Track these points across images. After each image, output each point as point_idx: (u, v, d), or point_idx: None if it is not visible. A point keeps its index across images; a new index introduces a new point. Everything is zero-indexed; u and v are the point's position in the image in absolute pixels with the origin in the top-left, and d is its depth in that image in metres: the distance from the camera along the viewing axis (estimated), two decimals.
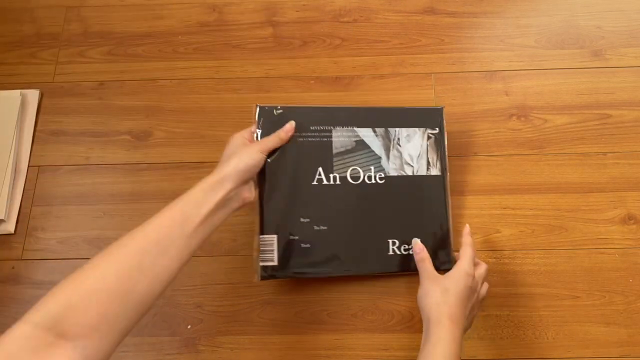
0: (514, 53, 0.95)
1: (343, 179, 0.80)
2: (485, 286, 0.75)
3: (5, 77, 0.97)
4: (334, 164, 0.80)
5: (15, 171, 0.89)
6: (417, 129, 0.83)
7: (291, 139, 0.78)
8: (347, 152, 0.81)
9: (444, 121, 0.84)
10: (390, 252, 0.79)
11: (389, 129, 0.82)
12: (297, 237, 0.77)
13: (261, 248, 0.77)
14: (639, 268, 0.80)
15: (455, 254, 0.77)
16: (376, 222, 0.79)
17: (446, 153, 0.83)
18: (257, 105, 0.80)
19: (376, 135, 0.82)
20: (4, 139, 0.90)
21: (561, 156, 0.87)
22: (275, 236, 0.77)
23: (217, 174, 0.69)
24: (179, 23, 1.00)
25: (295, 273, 0.77)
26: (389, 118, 0.83)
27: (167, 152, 0.90)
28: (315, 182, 0.79)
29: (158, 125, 0.92)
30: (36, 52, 0.99)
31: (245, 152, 0.72)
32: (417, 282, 0.80)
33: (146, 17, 1.01)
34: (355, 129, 0.82)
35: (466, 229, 0.76)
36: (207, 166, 0.89)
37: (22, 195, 0.88)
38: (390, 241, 0.79)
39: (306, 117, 0.80)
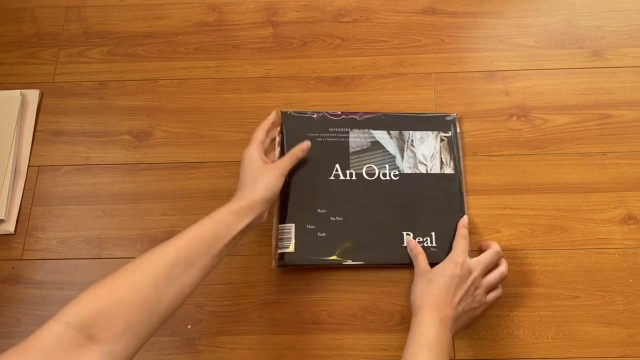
0: (514, 53, 0.95)
1: (359, 175, 0.84)
2: (491, 279, 0.76)
3: (5, 77, 0.97)
4: (351, 161, 0.85)
5: (15, 171, 0.89)
6: (430, 132, 0.87)
7: (312, 139, 0.84)
8: (362, 151, 0.86)
9: (458, 126, 0.88)
10: (404, 244, 0.81)
11: (403, 131, 0.87)
12: (313, 227, 0.81)
13: (279, 236, 0.81)
14: (639, 268, 0.80)
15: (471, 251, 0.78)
16: (391, 215, 0.82)
17: (461, 154, 0.86)
18: (280, 111, 0.88)
19: (390, 137, 0.87)
20: (4, 139, 0.90)
21: (561, 156, 0.87)
22: (292, 225, 0.81)
23: (247, 199, 0.72)
24: (179, 23, 1.00)
25: (311, 260, 0.80)
26: (403, 122, 0.88)
27: (167, 152, 0.90)
28: (332, 177, 0.84)
29: (158, 125, 0.92)
30: (36, 52, 0.99)
31: (271, 178, 0.74)
32: (413, 283, 0.80)
33: (146, 17, 1.01)
34: (371, 131, 0.87)
35: (462, 221, 0.80)
36: (207, 166, 0.89)
37: (22, 195, 0.88)
38: (404, 233, 0.81)
39: (325, 120, 0.87)
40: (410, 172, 0.85)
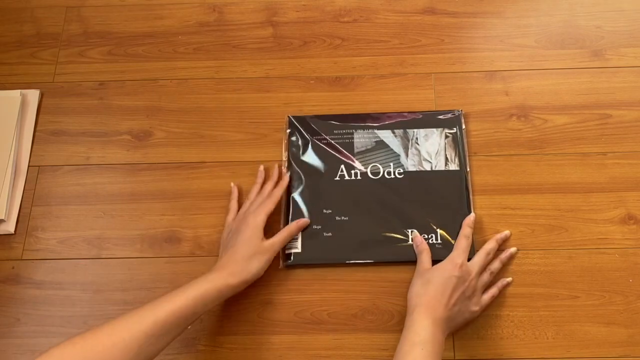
0: (514, 53, 0.95)
1: (364, 174, 0.85)
2: (484, 278, 0.77)
3: (5, 77, 0.97)
4: (355, 161, 0.86)
5: (15, 171, 0.89)
6: (434, 129, 0.87)
7: (318, 141, 0.87)
8: (367, 151, 0.87)
9: (463, 122, 0.88)
10: (410, 242, 0.81)
11: (407, 129, 0.87)
12: (319, 227, 0.82)
13: None
14: (639, 268, 0.80)
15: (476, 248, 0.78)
16: (396, 212, 0.83)
17: (466, 150, 0.86)
18: (287, 116, 0.90)
19: (395, 136, 0.88)
20: (4, 139, 0.90)
21: (561, 156, 0.87)
22: None
23: (236, 277, 0.73)
24: (179, 23, 1.00)
25: (317, 260, 0.81)
26: (407, 121, 0.89)
27: (167, 152, 0.90)
28: (337, 178, 0.85)
29: (158, 125, 0.92)
30: (36, 52, 0.99)
31: (265, 260, 0.76)
32: (412, 280, 0.80)
33: (146, 17, 1.01)
34: (376, 131, 0.88)
35: (467, 219, 0.80)
36: (207, 166, 0.89)
37: (22, 195, 0.88)
38: (409, 231, 0.81)
39: (330, 123, 0.89)
40: (414, 169, 0.85)
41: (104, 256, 0.84)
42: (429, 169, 0.85)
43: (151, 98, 0.94)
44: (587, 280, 0.80)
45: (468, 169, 0.86)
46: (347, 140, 0.88)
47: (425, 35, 0.97)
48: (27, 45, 0.99)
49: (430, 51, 0.95)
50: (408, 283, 0.80)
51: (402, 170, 0.85)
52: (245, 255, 0.74)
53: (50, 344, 0.78)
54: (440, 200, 0.83)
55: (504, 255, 0.80)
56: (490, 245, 0.79)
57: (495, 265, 0.79)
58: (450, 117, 0.88)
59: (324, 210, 0.83)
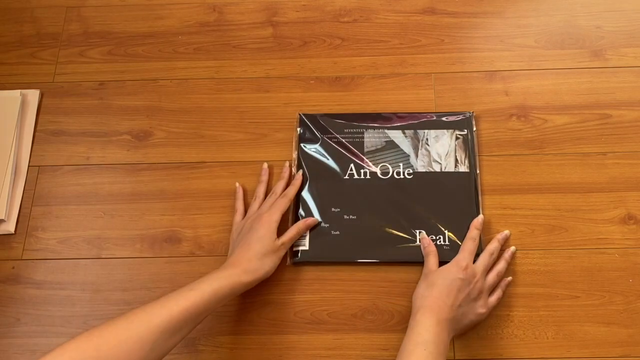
0: (514, 53, 0.95)
1: (373, 174, 0.86)
2: (490, 280, 0.76)
3: (5, 77, 0.97)
4: (365, 161, 0.86)
5: (15, 171, 0.89)
6: (445, 130, 0.88)
7: (328, 139, 0.88)
8: (377, 150, 0.87)
9: (474, 124, 0.88)
10: (418, 242, 0.81)
11: (418, 130, 0.88)
12: (327, 225, 0.83)
13: None
14: (639, 268, 0.80)
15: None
16: (404, 213, 0.83)
17: (476, 152, 0.86)
18: (298, 114, 0.90)
19: (405, 137, 0.88)
20: (4, 139, 0.90)
21: (561, 156, 0.87)
22: None
23: (250, 275, 0.73)
24: (179, 23, 1.00)
25: (325, 258, 0.82)
26: (418, 122, 0.89)
27: (167, 152, 0.90)
28: (346, 177, 0.85)
29: (158, 125, 0.92)
30: (36, 52, 0.99)
31: (277, 258, 0.77)
32: (418, 283, 0.80)
33: (146, 17, 1.01)
34: (386, 131, 0.88)
35: (475, 220, 0.80)
36: (207, 166, 0.89)
37: (22, 195, 0.88)
38: (417, 231, 0.81)
39: (341, 122, 0.89)
40: (424, 170, 0.85)
41: (104, 256, 0.84)
42: (438, 170, 0.85)
43: (151, 98, 0.94)
44: (587, 280, 0.80)
45: (478, 171, 0.86)
46: (357, 140, 0.88)
47: (425, 35, 0.97)
48: (27, 45, 0.99)
49: (430, 51, 0.96)
50: (408, 283, 0.80)
51: (411, 171, 0.86)
52: (260, 253, 0.74)
53: (50, 344, 0.79)
54: (449, 202, 0.83)
55: (507, 254, 0.80)
56: (493, 245, 0.79)
57: (501, 265, 0.78)
58: (461, 119, 0.88)
59: (332, 209, 0.84)
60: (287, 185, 0.84)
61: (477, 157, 0.87)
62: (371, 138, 0.88)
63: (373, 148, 0.87)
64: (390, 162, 0.86)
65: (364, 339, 0.78)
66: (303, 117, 0.90)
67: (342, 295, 0.81)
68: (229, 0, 1.01)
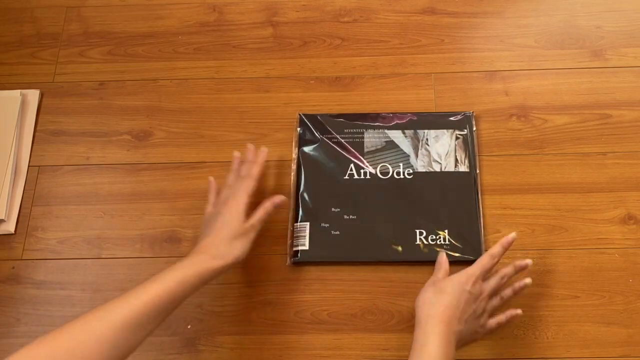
0: (514, 53, 0.95)
1: (373, 174, 0.85)
2: (494, 302, 0.72)
3: (5, 77, 0.97)
4: (365, 161, 0.86)
5: (15, 171, 0.89)
6: (445, 130, 0.87)
7: (328, 139, 0.88)
8: (377, 150, 0.87)
9: (474, 124, 0.88)
10: (417, 242, 0.81)
11: (418, 130, 0.88)
12: (327, 225, 0.83)
13: (295, 234, 0.83)
14: (639, 268, 0.80)
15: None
16: (404, 212, 0.83)
17: (476, 152, 0.86)
18: (298, 114, 0.90)
19: (405, 137, 0.88)
20: (4, 139, 0.90)
21: (561, 156, 0.87)
22: (307, 223, 0.83)
23: (219, 260, 0.69)
24: (179, 23, 1.00)
25: (324, 257, 0.82)
26: (418, 122, 0.89)
27: (167, 152, 0.90)
28: (346, 177, 0.85)
29: (158, 125, 0.92)
30: (36, 52, 0.99)
31: (247, 241, 0.73)
32: (418, 283, 0.80)
33: (146, 17, 1.01)
34: (386, 131, 0.88)
35: (505, 238, 0.73)
36: (207, 166, 0.89)
37: (22, 195, 0.88)
38: (417, 231, 0.82)
39: (341, 122, 0.89)
40: (424, 170, 0.85)
41: (104, 256, 0.84)
42: (438, 170, 0.85)
43: (151, 98, 0.94)
44: (587, 280, 0.80)
45: (478, 171, 0.86)
46: (357, 140, 0.88)
47: (425, 35, 0.97)
48: (27, 45, 0.99)
49: (430, 51, 0.96)
50: (408, 283, 0.80)
51: (411, 171, 0.86)
52: (228, 237, 0.71)
53: None
54: (449, 202, 0.83)
55: (518, 285, 0.73)
56: (496, 250, 0.72)
57: (507, 292, 0.73)
58: (461, 119, 0.88)
59: (332, 209, 0.84)
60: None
61: (477, 157, 0.87)
62: (371, 138, 0.88)
63: (373, 148, 0.87)
64: (390, 162, 0.86)
65: (364, 339, 0.78)
66: (303, 117, 0.90)
67: (342, 295, 0.81)
68: (229, 0, 1.01)
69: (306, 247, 0.82)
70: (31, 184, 0.89)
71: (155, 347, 0.79)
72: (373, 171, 0.86)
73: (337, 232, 0.83)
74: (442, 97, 0.92)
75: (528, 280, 0.73)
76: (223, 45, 0.98)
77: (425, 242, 0.81)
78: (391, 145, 0.87)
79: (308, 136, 0.89)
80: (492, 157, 0.88)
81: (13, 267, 0.84)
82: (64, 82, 0.96)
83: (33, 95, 0.94)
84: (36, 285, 0.83)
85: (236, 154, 0.84)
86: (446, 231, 0.82)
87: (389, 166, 0.86)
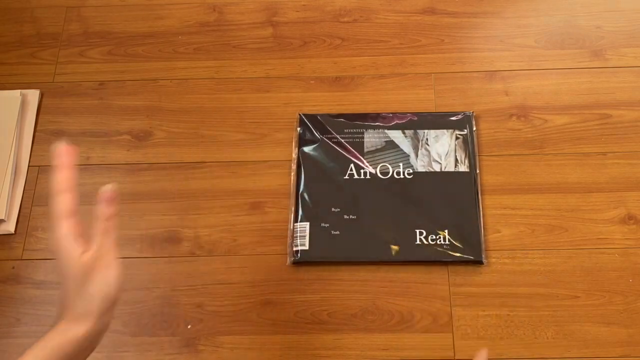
0: (514, 53, 0.95)
1: (373, 174, 0.85)
2: None
3: (5, 77, 0.97)
4: (365, 161, 0.86)
5: (16, 171, 0.89)
6: (445, 130, 0.88)
7: (328, 139, 0.88)
8: (377, 150, 0.87)
9: (474, 124, 0.88)
10: (417, 242, 0.81)
11: (418, 130, 0.88)
12: (327, 225, 0.83)
13: (295, 234, 0.83)
14: (639, 268, 0.80)
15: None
16: (404, 212, 0.83)
17: (476, 152, 0.86)
18: (298, 114, 0.90)
19: (405, 136, 0.88)
20: (4, 139, 0.90)
21: (561, 156, 0.87)
22: (307, 223, 0.83)
23: (81, 319, 0.48)
24: (179, 23, 1.00)
25: (325, 257, 0.82)
26: (418, 122, 0.89)
27: (167, 152, 0.90)
28: (346, 177, 0.85)
29: (158, 125, 0.92)
30: (36, 52, 0.99)
31: (103, 280, 0.49)
32: (418, 283, 0.80)
33: (146, 17, 1.01)
34: (386, 131, 0.88)
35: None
36: (207, 166, 0.89)
37: (22, 195, 0.88)
38: (417, 231, 0.82)
39: (341, 122, 0.89)
40: (424, 170, 0.86)
41: None
42: (438, 170, 0.86)
43: (151, 98, 0.94)
44: (587, 280, 0.80)
45: (478, 171, 0.86)
46: (357, 140, 0.88)
47: (425, 35, 0.97)
48: (27, 45, 0.99)
49: (430, 51, 0.96)
50: (408, 283, 0.80)
51: (411, 171, 0.86)
52: (75, 286, 0.48)
53: None
54: (449, 202, 0.83)
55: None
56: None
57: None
58: (461, 119, 0.88)
59: (333, 209, 0.84)
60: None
61: (477, 157, 0.87)
62: (371, 138, 0.88)
63: (373, 148, 0.87)
64: (390, 162, 0.86)
65: (364, 339, 0.78)
66: (303, 117, 0.90)
67: (342, 295, 0.81)
68: (229, 0, 1.01)
69: (306, 247, 0.82)
70: (31, 184, 0.89)
71: (155, 347, 0.79)
72: (373, 171, 0.86)
73: (337, 232, 0.83)
74: (442, 97, 0.92)
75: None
76: (223, 45, 0.98)
77: (425, 242, 0.81)
78: (391, 145, 0.88)
79: (308, 136, 0.89)
80: (492, 157, 0.88)
81: (13, 267, 0.84)
82: (64, 82, 0.96)
83: (33, 95, 0.94)
84: (36, 285, 0.83)
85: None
86: (446, 231, 0.82)
87: (389, 166, 0.86)
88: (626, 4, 0.98)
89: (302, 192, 0.85)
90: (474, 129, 0.88)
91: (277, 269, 0.82)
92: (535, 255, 0.82)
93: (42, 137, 0.92)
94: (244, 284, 0.82)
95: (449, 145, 0.87)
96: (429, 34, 0.97)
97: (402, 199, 0.84)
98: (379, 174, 0.86)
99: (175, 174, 0.89)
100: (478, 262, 0.80)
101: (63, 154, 0.57)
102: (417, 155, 0.87)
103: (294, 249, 0.82)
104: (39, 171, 0.90)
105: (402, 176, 0.85)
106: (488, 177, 0.86)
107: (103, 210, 0.54)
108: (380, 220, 0.83)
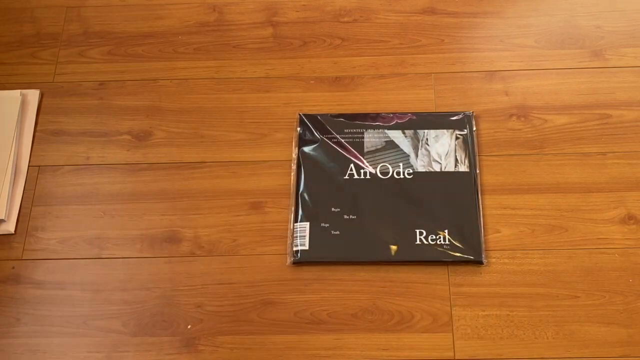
0: (514, 53, 0.95)
1: (373, 174, 0.86)
2: None
3: (5, 77, 0.97)
4: (365, 161, 0.86)
5: (16, 171, 0.89)
6: (445, 130, 0.88)
7: (328, 139, 0.88)
8: (377, 150, 0.87)
9: (474, 124, 0.88)
10: (417, 242, 0.81)
11: (418, 130, 0.87)
12: (327, 225, 0.83)
13: (295, 234, 0.83)
14: (639, 268, 0.80)
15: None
16: (404, 212, 0.83)
17: (476, 152, 0.86)
18: (298, 114, 0.90)
19: (405, 136, 0.88)
20: (4, 139, 0.90)
21: (561, 156, 0.87)
22: (307, 223, 0.83)
23: None
24: (179, 23, 1.00)
25: (325, 257, 0.82)
26: (418, 122, 0.89)
27: (167, 152, 0.90)
28: (346, 177, 0.85)
29: (158, 125, 0.92)
30: (36, 52, 0.99)
31: None
32: (418, 283, 0.80)
33: (146, 17, 1.01)
34: (386, 131, 0.88)
35: None
36: (207, 166, 0.89)
37: (22, 195, 0.88)
38: (417, 231, 0.82)
39: (341, 122, 0.89)
40: (424, 170, 0.86)
41: (104, 256, 0.84)
42: (438, 170, 0.86)
43: (151, 98, 0.94)
44: (587, 280, 0.80)
45: (477, 171, 0.86)
46: (357, 140, 0.88)
47: (425, 35, 0.97)
48: (27, 45, 0.99)
49: (430, 51, 0.96)
50: (408, 283, 0.80)
51: (411, 171, 0.86)
52: None
53: (51, 344, 0.79)
54: (449, 202, 0.84)
55: None
56: None
57: None
58: (461, 119, 0.88)
59: (332, 209, 0.84)
60: None
61: (477, 157, 0.87)
62: (371, 138, 0.88)
63: (373, 148, 0.87)
64: (390, 162, 0.86)
65: (364, 339, 0.78)
66: (303, 117, 0.90)
67: (342, 295, 0.81)
68: (229, 0, 1.01)
69: (306, 247, 0.82)
70: (31, 184, 0.89)
71: (155, 347, 0.79)
72: (373, 171, 0.86)
73: (337, 232, 0.83)
74: (442, 97, 0.92)
75: None
76: (223, 45, 0.98)
77: (425, 242, 0.81)
78: (391, 145, 0.88)
79: (308, 136, 0.89)
80: (492, 157, 0.88)
81: (13, 267, 0.84)
82: (64, 82, 0.96)
83: (33, 95, 0.94)
84: (36, 285, 0.83)
85: None
86: (446, 231, 0.82)
87: (389, 166, 0.86)
88: (626, 4, 0.98)
89: (302, 192, 0.85)
90: (474, 129, 0.88)
91: (277, 269, 0.82)
92: (535, 255, 0.82)
93: (42, 137, 0.92)
94: (244, 284, 0.82)
95: (449, 145, 0.87)
96: (429, 34, 0.97)
97: (402, 199, 0.84)
98: (379, 174, 0.86)
99: (175, 174, 0.89)
100: (478, 262, 0.80)
101: None
102: (417, 155, 0.87)
103: (294, 249, 0.82)
104: (39, 171, 0.90)
105: (402, 176, 0.85)
106: (488, 177, 0.86)
107: None
108: (380, 220, 0.83)
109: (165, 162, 0.90)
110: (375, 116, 0.89)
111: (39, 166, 0.90)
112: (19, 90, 0.94)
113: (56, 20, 1.01)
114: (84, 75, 0.96)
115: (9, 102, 0.93)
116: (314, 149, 0.88)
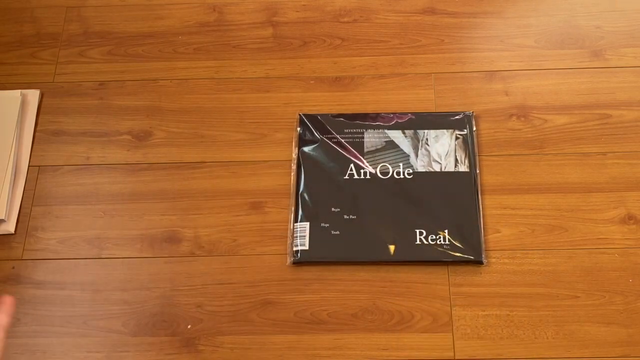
0: (514, 53, 0.95)
1: (373, 174, 0.85)
2: None
3: (5, 77, 0.97)
4: (365, 161, 0.86)
5: (16, 171, 0.89)
6: (445, 130, 0.88)
7: (328, 139, 0.88)
8: (377, 150, 0.87)
9: (474, 124, 0.88)
10: (418, 242, 0.81)
11: (418, 130, 0.88)
12: (327, 225, 0.83)
13: (295, 234, 0.83)
14: (639, 268, 0.80)
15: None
16: (404, 212, 0.83)
17: (476, 152, 0.87)
18: (298, 114, 0.90)
19: (405, 136, 0.88)
20: (4, 139, 0.90)
21: (561, 156, 0.87)
22: (307, 223, 0.83)
23: None
24: (179, 23, 1.00)
25: (325, 257, 0.82)
26: (418, 122, 0.89)
27: (167, 152, 0.90)
28: (346, 177, 0.85)
29: (158, 125, 0.92)
30: (36, 52, 0.99)
31: None
32: (418, 283, 0.80)
33: (146, 17, 1.01)
34: (386, 131, 0.88)
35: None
36: (207, 166, 0.89)
37: (22, 195, 0.88)
38: (417, 231, 0.82)
39: (341, 122, 0.89)
40: (424, 170, 0.86)
41: (104, 256, 0.84)
42: (438, 170, 0.86)
43: (151, 98, 0.94)
44: (587, 280, 0.80)
45: (477, 171, 0.86)
46: (357, 140, 0.88)
47: (425, 35, 0.97)
48: (27, 45, 0.99)
49: (430, 51, 0.96)
50: (408, 283, 0.80)
51: (411, 171, 0.86)
52: None
53: (51, 344, 0.79)
54: (449, 202, 0.84)
55: None
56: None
57: None
58: (461, 119, 0.88)
59: (332, 209, 0.84)
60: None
61: (477, 157, 0.87)
62: (371, 138, 0.88)
63: (373, 148, 0.87)
64: (390, 162, 0.86)
65: (364, 339, 0.78)
66: (303, 117, 0.90)
67: (342, 295, 0.81)
68: (229, 0, 1.01)
69: (306, 247, 0.82)
70: (31, 184, 0.89)
71: (155, 347, 0.79)
72: (373, 171, 0.86)
73: (337, 232, 0.83)
74: (442, 97, 0.92)
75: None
76: (223, 45, 0.98)
77: (425, 242, 0.81)
78: (391, 145, 0.88)
79: (308, 136, 0.89)
80: (492, 157, 0.88)
81: (13, 267, 0.84)
82: (64, 82, 0.96)
83: (33, 95, 0.94)
84: (36, 285, 0.83)
85: None
86: (446, 231, 0.82)
87: (389, 166, 0.86)
88: (626, 4, 0.98)
89: (302, 192, 0.85)
90: (474, 129, 0.88)
91: (277, 269, 0.82)
92: (535, 255, 0.82)
93: (42, 137, 0.92)
94: (244, 284, 0.82)
95: (449, 145, 0.87)
96: (429, 34, 0.97)
97: (402, 199, 0.84)
98: (379, 174, 0.86)
99: (175, 174, 0.89)
100: (478, 262, 0.80)
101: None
102: (417, 155, 0.87)
103: (294, 249, 0.82)
104: (39, 171, 0.90)
105: (402, 176, 0.85)
106: (488, 177, 0.86)
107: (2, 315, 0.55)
108: (380, 220, 0.83)
109: (165, 162, 0.90)
110: (375, 116, 0.90)
111: (39, 166, 0.90)
112: (19, 90, 0.94)
113: (56, 20, 1.01)
114: (84, 75, 0.96)
115: (9, 102, 0.93)
116: (314, 149, 0.88)
